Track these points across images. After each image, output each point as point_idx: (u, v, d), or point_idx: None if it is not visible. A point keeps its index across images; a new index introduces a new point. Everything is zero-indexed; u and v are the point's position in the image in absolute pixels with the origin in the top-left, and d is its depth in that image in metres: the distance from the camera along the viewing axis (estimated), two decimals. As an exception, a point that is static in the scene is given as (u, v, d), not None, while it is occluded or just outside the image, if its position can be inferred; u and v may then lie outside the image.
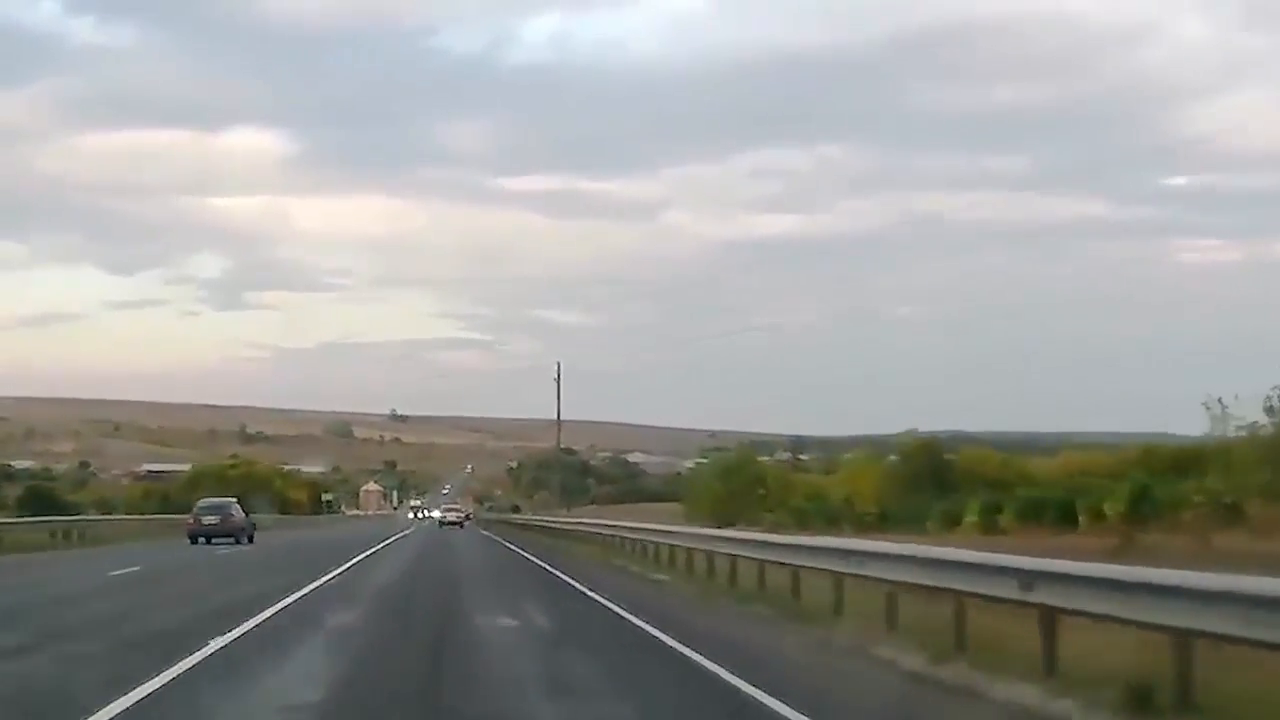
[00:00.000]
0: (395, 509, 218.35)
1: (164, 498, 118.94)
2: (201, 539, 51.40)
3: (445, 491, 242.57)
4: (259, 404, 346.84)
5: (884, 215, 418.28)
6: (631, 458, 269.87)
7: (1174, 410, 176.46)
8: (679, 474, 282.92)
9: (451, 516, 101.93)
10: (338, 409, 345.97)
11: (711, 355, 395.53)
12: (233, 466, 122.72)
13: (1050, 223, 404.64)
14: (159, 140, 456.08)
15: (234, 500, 60.47)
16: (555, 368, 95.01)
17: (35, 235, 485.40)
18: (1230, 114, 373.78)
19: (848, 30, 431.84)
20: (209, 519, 53.93)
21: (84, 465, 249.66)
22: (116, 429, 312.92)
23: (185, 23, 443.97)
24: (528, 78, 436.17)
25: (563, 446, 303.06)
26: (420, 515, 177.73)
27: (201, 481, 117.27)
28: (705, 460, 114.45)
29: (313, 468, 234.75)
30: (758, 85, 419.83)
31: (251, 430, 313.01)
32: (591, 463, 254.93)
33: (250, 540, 53.43)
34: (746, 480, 78.58)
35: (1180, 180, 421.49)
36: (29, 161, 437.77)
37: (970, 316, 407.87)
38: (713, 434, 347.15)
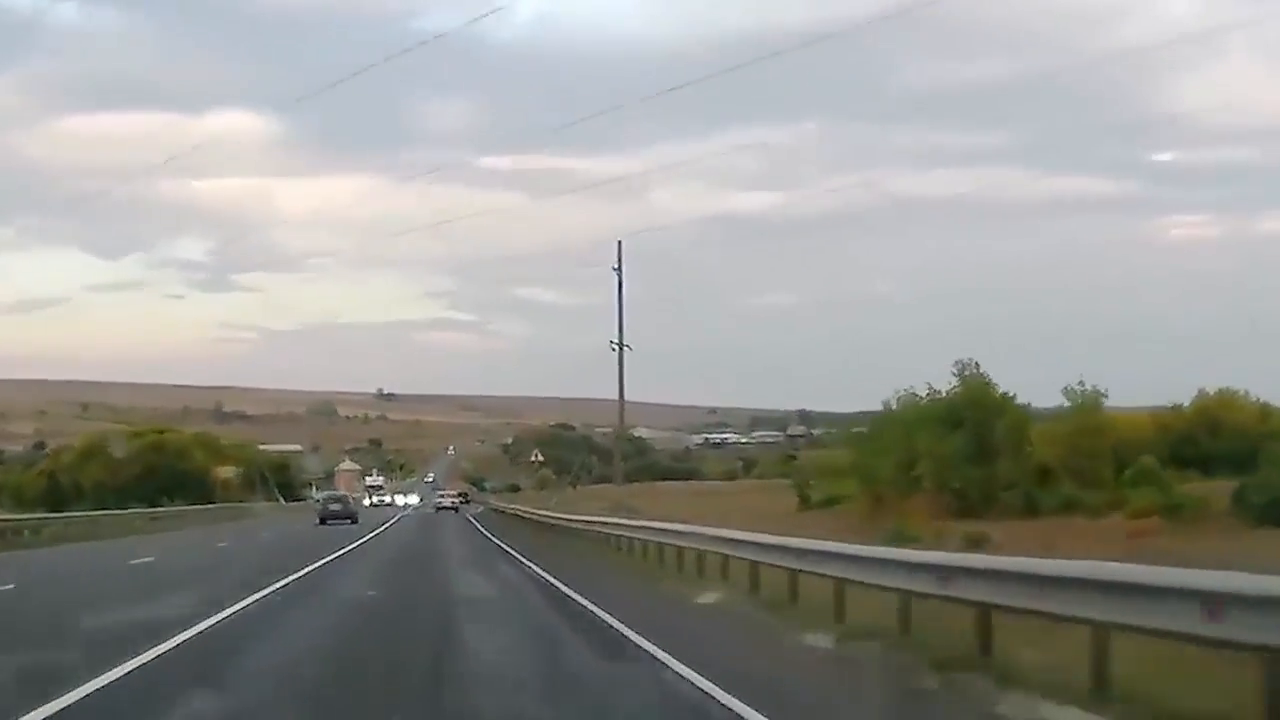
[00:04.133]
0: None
1: (50, 476, 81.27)
2: (328, 521, 60.65)
3: (429, 480, 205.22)
4: (242, 385, 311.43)
5: (867, 191, 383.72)
6: (637, 433, 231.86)
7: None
8: (688, 449, 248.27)
9: (447, 501, 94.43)
10: (323, 388, 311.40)
11: (705, 331, 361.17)
12: (137, 435, 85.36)
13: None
14: (142, 123, 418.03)
15: (346, 493, 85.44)
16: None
17: (19, 218, 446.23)
18: (1217, 87, 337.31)
19: (830, 6, 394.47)
20: (334, 506, 67.46)
21: (39, 446, 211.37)
22: (84, 409, 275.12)
23: (168, 6, 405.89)
24: (511, 57, 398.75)
25: (559, 423, 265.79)
26: (378, 501, 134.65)
27: (95, 454, 79.86)
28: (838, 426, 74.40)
29: (289, 446, 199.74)
30: (741, 62, 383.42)
31: (228, 409, 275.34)
32: (593, 439, 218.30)
33: (355, 521, 61.98)
34: (1007, 433, 40.26)
35: (1166, 155, 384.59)
36: (13, 145, 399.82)
37: (957, 292, 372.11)
38: (713, 410, 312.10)
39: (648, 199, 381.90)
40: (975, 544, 29.57)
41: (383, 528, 57.68)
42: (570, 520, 43.84)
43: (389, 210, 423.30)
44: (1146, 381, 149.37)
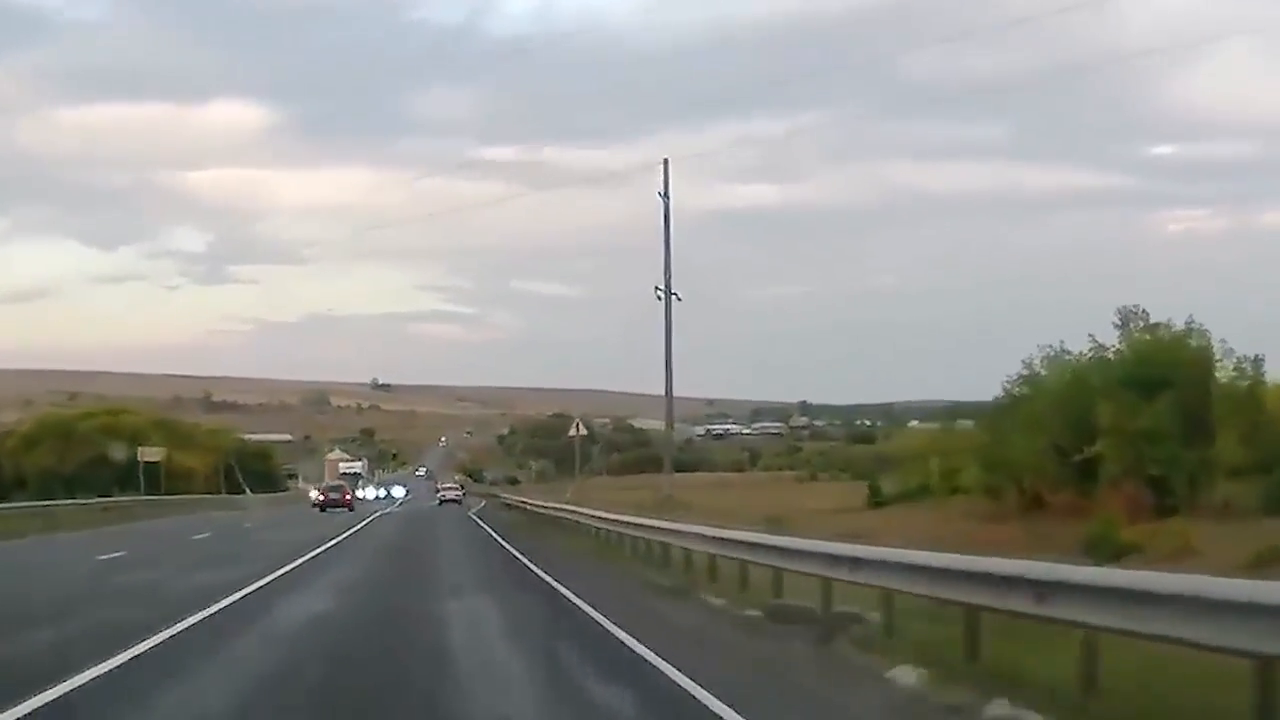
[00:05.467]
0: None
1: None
2: (328, 509, 66.17)
3: (421, 473, 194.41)
4: (235, 375, 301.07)
5: (864, 185, 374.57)
6: (637, 424, 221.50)
7: None
8: (690, 440, 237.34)
9: (450, 494, 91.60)
10: (317, 379, 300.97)
11: (704, 323, 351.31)
12: (90, 415, 74.94)
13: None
14: (139, 114, 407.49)
15: (343, 484, 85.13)
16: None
17: (14, 209, 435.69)
18: (1216, 81, 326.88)
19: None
20: (333, 495, 72.70)
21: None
22: (71, 398, 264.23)
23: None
24: (509, 48, 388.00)
25: (555, 414, 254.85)
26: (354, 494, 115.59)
27: (41, 438, 69.57)
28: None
29: (278, 436, 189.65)
30: (738, 54, 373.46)
31: (218, 399, 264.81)
32: (595, 429, 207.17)
33: (351, 509, 67.53)
34: (1232, 402, 29.30)
35: (1166, 149, 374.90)
36: (9, 135, 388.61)
37: (955, 286, 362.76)
38: (711, 402, 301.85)
39: (647, 190, 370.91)
40: (1271, 565, 18.73)
41: (299, 560, 27.03)
42: (665, 527, 23.52)
43: (386, 201, 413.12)
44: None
